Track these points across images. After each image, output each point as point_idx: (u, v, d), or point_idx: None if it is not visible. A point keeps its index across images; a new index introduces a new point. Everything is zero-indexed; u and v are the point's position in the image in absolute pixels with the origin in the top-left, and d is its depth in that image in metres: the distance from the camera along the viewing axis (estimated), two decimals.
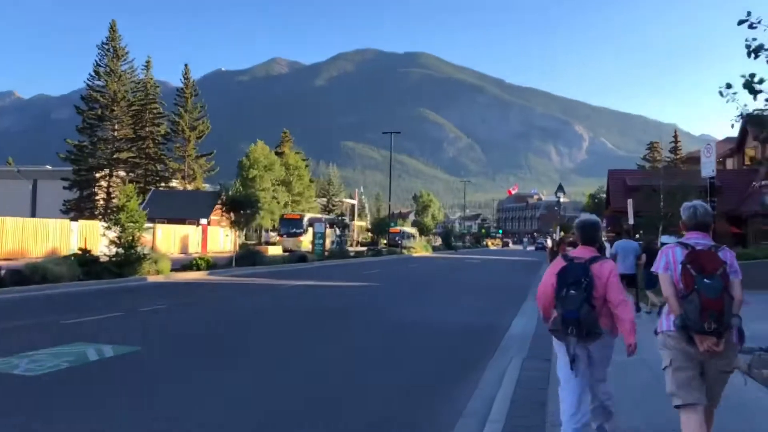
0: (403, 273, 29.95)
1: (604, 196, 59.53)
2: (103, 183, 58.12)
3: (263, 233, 73.74)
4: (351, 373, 7.62)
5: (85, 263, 19.29)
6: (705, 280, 3.89)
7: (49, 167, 69.57)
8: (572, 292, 4.38)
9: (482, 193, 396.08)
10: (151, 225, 44.01)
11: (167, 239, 45.11)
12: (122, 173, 59.05)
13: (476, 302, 16.93)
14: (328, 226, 49.10)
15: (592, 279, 4.42)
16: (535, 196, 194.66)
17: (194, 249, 46.71)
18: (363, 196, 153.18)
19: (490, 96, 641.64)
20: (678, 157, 69.16)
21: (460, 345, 10.02)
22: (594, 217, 5.01)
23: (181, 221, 49.01)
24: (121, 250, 20.82)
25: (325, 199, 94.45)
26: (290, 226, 58.03)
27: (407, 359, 8.52)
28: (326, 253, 40.96)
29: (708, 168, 9.76)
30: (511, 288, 22.11)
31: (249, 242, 65.38)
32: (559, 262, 4.67)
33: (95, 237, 37.66)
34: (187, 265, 25.22)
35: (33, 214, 57.11)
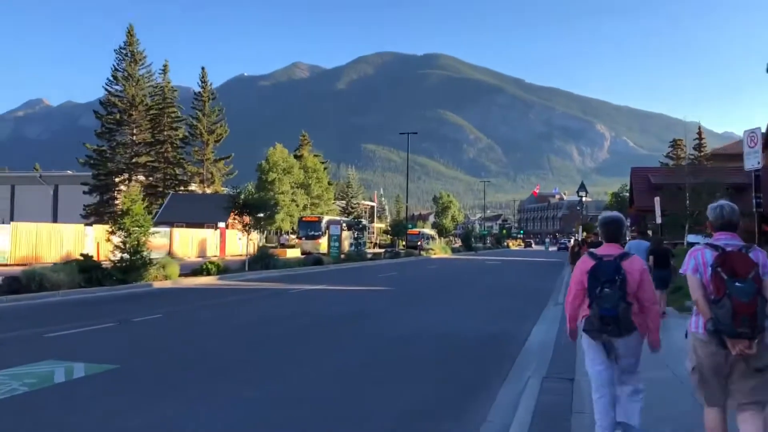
0: (418, 276, 29.03)
1: (628, 194, 58.18)
2: (123, 187, 57.97)
3: (283, 236, 73.30)
4: (332, 403, 6.43)
5: (87, 269, 18.63)
6: (737, 283, 3.79)
7: (70, 172, 69.80)
8: (607, 290, 4.39)
9: (503, 194, 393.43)
10: (166, 229, 43.74)
11: (185, 243, 44.71)
12: (141, 178, 58.91)
13: (493, 307, 15.98)
14: (345, 228, 48.39)
15: (625, 276, 4.43)
16: (557, 196, 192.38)
17: (212, 252, 46.26)
18: (383, 198, 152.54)
19: (510, 96, 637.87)
20: (702, 154, 67.38)
21: (469, 360, 9.01)
22: (617, 214, 4.98)
23: (199, 225, 48.61)
24: (126, 256, 20.18)
25: (344, 202, 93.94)
26: (309, 228, 57.47)
27: (404, 381, 7.48)
28: (343, 256, 40.18)
29: (753, 159, 8.54)
30: (531, 291, 21.10)
31: (269, 245, 65.00)
32: (587, 261, 4.66)
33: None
34: (197, 269, 24.53)
35: (55, 220, 57.22)
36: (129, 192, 20.83)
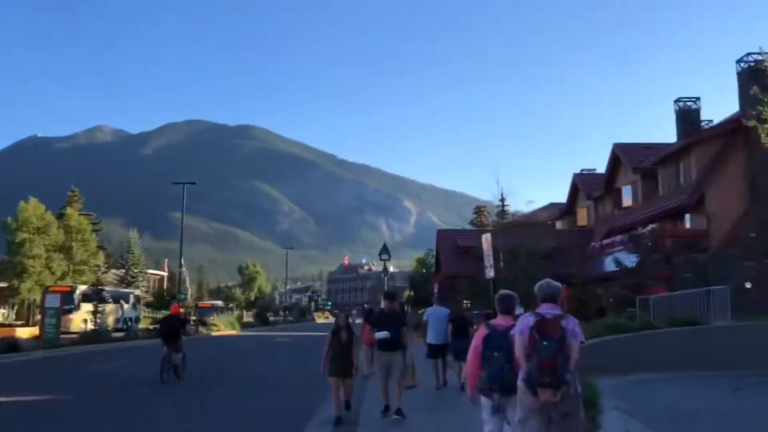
0: (134, 373, 20.33)
1: (434, 260, 54.24)
2: None
3: (34, 310, 59.79)
4: None
5: None
6: (543, 342, 4.84)
7: None
8: (495, 354, 5.22)
9: (316, 266, 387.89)
10: None
11: None
12: None
13: None
14: (90, 299, 38.46)
15: (510, 344, 5.14)
16: (366, 267, 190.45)
17: None
18: (183, 269, 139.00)
19: (324, 171, 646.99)
20: (505, 221, 66.26)
21: None
22: (509, 292, 5.86)
23: None
24: None
25: (123, 270, 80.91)
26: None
27: None
28: (76, 336, 30.20)
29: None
30: (303, 385, 13.74)
31: (16, 323, 52.32)
32: (482, 330, 5.47)
33: None
34: None
35: None
36: None
